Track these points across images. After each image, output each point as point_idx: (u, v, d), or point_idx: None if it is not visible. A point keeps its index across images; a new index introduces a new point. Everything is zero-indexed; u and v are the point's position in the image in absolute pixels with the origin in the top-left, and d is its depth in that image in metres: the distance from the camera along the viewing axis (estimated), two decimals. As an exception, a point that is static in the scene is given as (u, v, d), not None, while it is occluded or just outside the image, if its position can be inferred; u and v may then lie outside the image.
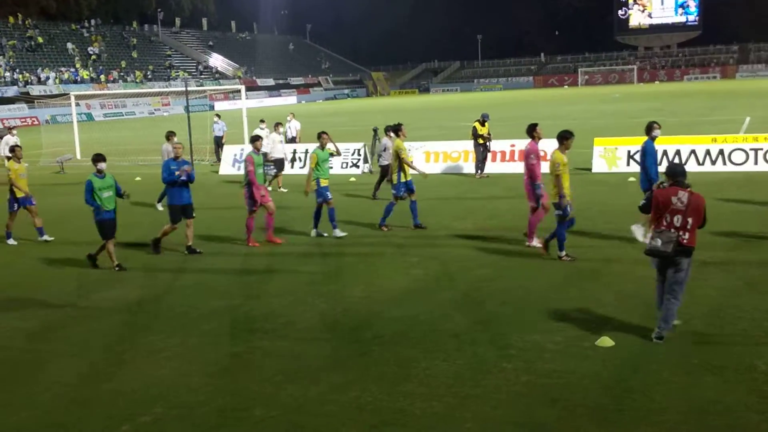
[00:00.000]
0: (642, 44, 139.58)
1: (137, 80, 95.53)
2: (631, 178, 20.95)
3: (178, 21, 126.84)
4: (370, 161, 25.75)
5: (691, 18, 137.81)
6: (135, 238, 15.94)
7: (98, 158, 13.56)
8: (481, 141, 23.02)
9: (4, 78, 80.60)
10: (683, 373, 7.73)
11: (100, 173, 13.39)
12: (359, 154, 25.84)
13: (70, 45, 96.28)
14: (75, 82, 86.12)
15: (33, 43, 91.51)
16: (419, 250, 13.94)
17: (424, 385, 7.74)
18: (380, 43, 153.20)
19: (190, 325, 10.09)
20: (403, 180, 15.41)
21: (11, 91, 78.45)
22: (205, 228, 16.73)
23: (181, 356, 8.94)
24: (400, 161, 15.34)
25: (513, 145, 24.45)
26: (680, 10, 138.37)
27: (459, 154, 25.01)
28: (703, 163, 21.98)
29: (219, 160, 29.31)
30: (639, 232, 13.38)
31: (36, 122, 72.06)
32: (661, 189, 8.84)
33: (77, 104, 39.85)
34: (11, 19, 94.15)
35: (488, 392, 7.51)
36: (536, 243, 13.37)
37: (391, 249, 14.10)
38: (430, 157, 25.22)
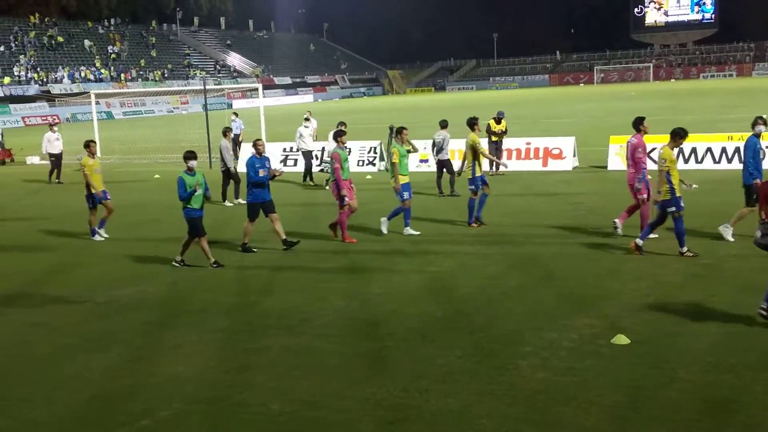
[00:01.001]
0: (658, 42, 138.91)
1: (156, 79, 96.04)
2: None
3: (196, 20, 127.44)
4: (386, 159, 25.79)
5: (708, 15, 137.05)
6: (162, 234, 16.07)
7: (190, 156, 13.29)
8: (494, 138, 23.01)
9: (26, 77, 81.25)
10: (699, 372, 7.73)
11: (190, 171, 13.10)
12: (375, 152, 25.89)
13: (89, 44, 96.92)
14: (95, 80, 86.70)
15: (53, 42, 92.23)
16: (435, 247, 13.98)
17: (439, 382, 7.79)
18: (396, 41, 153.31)
19: (208, 321, 10.18)
20: (478, 174, 15.25)
21: (32, 90, 79.13)
22: (219, 226, 16.85)
23: (198, 352, 9.02)
24: (476, 155, 15.18)
25: (528, 143, 24.44)
26: (696, 8, 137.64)
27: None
28: (719, 161, 21.90)
29: (237, 158, 29.40)
30: (727, 232, 13.37)
31: (57, 120, 72.33)
32: (765, 182, 9.00)
33: (97, 103, 40.11)
34: (32, 19, 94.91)
35: (504, 389, 7.54)
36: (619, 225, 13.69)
37: (407, 246, 14.14)
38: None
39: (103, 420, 7.33)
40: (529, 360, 8.23)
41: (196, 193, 12.95)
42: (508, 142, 24.27)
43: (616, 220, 14.04)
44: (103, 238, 15.95)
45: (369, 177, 23.73)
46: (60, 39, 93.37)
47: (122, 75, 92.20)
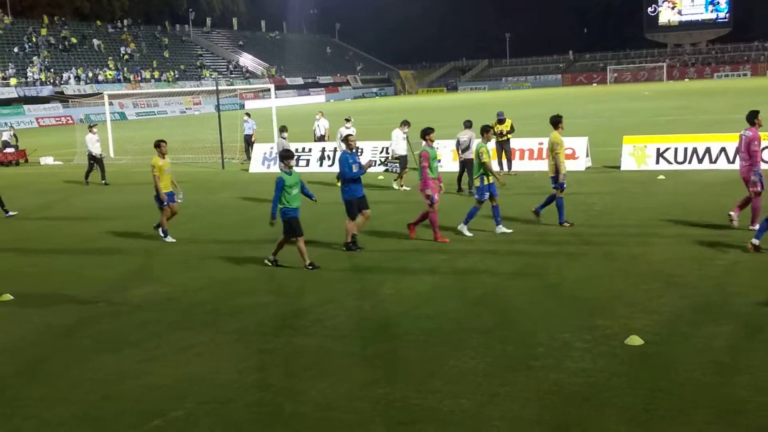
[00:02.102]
0: (671, 42, 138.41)
1: (169, 80, 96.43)
2: (661, 176, 20.82)
3: (209, 21, 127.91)
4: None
5: (722, 15, 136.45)
6: (174, 234, 16.12)
7: (287, 154, 13.13)
8: (500, 139, 22.94)
9: (40, 78, 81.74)
10: (713, 373, 7.68)
11: (289, 170, 12.95)
12: (387, 152, 25.84)
13: (103, 45, 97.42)
14: (108, 81, 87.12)
15: (67, 43, 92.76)
16: (448, 246, 13.95)
17: (452, 383, 7.77)
18: (408, 41, 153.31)
19: (220, 322, 10.19)
20: (562, 171, 15.02)
21: (46, 91, 79.61)
22: (233, 226, 16.88)
23: (211, 352, 9.03)
24: (555, 156, 14.98)
25: (541, 143, 24.33)
26: (710, 7, 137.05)
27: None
28: (733, 161, 21.72)
29: (249, 158, 29.51)
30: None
31: (70, 121, 72.93)
32: None
33: (110, 103, 40.26)
34: (45, 20, 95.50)
35: (516, 390, 7.51)
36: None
37: (419, 246, 14.11)
38: (458, 154, 25.14)
39: (117, 420, 7.35)
40: (542, 361, 8.20)
41: (293, 193, 12.71)
42: (520, 143, 24.20)
43: (732, 213, 14.07)
44: (172, 240, 15.63)
45: (381, 177, 23.71)
46: (74, 40, 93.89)
47: (132, 76, 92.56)
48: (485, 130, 15.14)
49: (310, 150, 27.57)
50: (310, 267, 12.74)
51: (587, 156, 23.94)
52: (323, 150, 27.02)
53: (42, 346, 9.67)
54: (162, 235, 15.70)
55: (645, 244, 13.43)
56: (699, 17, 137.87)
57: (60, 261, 14.63)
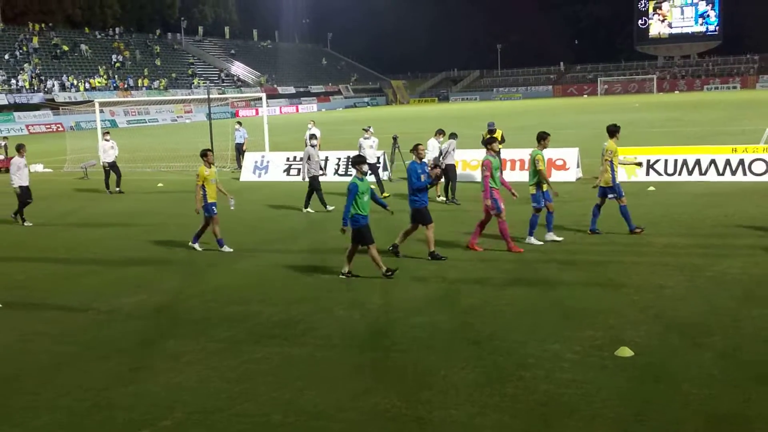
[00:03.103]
0: (662, 54, 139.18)
1: (160, 88, 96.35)
2: (651, 188, 20.89)
3: (201, 29, 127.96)
4: (389, 169, 25.83)
5: (712, 28, 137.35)
6: (167, 240, 16.06)
7: (360, 160, 12.88)
8: None
9: (30, 85, 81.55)
10: (703, 386, 7.68)
11: (362, 176, 12.68)
12: (379, 162, 25.86)
13: (94, 52, 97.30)
14: (99, 89, 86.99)
15: (58, 50, 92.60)
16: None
17: (442, 393, 7.76)
18: (400, 51, 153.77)
19: (210, 331, 10.15)
20: (617, 181, 14.87)
21: (36, 98, 79.35)
22: (223, 234, 16.86)
23: (200, 361, 9.00)
24: (611, 164, 14.82)
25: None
26: (700, 20, 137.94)
27: (478, 162, 24.98)
28: (723, 174, 21.86)
29: (240, 167, 29.49)
30: None
31: (61, 128, 72.77)
32: None
33: (101, 111, 40.12)
34: (37, 27, 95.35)
35: (507, 401, 7.51)
36: None
37: (410, 256, 14.10)
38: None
39: (105, 429, 7.31)
40: (533, 372, 8.20)
41: (365, 199, 12.44)
42: (512, 153, 24.24)
43: None
44: (229, 250, 15.21)
45: (374, 187, 23.70)
46: (65, 47, 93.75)
47: (126, 83, 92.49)
48: (542, 138, 14.74)
49: (301, 159, 27.49)
50: (389, 274, 12.47)
51: (578, 167, 24.01)
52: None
53: (29, 353, 9.61)
54: (218, 245, 15.22)
55: (635, 255, 13.46)
56: (689, 30, 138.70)
57: (49, 268, 14.55)
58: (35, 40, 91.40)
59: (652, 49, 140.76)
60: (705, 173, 22.07)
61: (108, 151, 25.86)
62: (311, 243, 15.80)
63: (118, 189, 25.56)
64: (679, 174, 22.29)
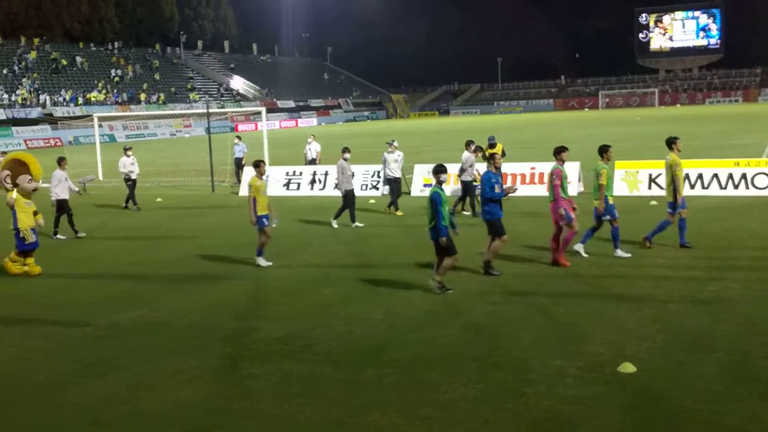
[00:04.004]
0: (663, 67, 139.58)
1: (159, 102, 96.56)
2: (653, 202, 20.84)
3: (200, 43, 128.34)
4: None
5: (713, 41, 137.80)
6: (164, 256, 15.98)
7: (441, 169, 12.59)
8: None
9: (29, 100, 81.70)
10: (707, 401, 7.62)
11: (441, 185, 12.50)
12: (378, 176, 25.85)
13: (93, 67, 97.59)
14: (98, 103, 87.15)
15: (57, 65, 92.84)
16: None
17: (443, 410, 7.68)
18: (400, 65, 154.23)
19: (209, 347, 10.08)
20: (680, 196, 14.57)
21: (35, 113, 79.46)
22: (223, 249, 16.81)
23: (199, 378, 8.93)
24: (674, 177, 14.51)
25: (533, 168, 24.39)
26: (702, 34, 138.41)
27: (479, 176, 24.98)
28: (725, 187, 21.82)
29: (239, 181, 29.47)
30: None
31: (59, 143, 72.82)
32: None
33: (100, 125, 40.09)
34: (35, 41, 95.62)
35: (508, 417, 7.44)
36: None
37: (410, 271, 14.05)
38: (450, 179, 25.19)
39: (102, 447, 7.24)
40: (535, 387, 8.13)
41: (446, 209, 12.19)
42: (513, 167, 24.22)
43: None
44: (266, 265, 14.97)
45: (372, 201, 23.69)
46: (64, 62, 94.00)
47: (125, 98, 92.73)
48: (604, 150, 14.49)
49: (300, 173, 27.55)
50: (442, 289, 12.29)
51: (579, 181, 23.96)
52: (314, 173, 27.01)
53: (28, 370, 9.54)
54: (257, 255, 15.10)
55: (637, 269, 13.40)
56: (690, 43, 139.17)
57: (47, 283, 14.50)
58: (33, 54, 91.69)
59: (654, 62, 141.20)
60: (707, 187, 22.03)
61: (128, 166, 24.99)
62: (311, 258, 15.74)
63: (134, 205, 24.95)
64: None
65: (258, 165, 15.20)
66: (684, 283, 12.25)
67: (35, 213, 15.72)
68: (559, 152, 14.18)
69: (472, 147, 20.63)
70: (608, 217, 14.32)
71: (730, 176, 21.87)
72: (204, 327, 11.05)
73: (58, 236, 19.41)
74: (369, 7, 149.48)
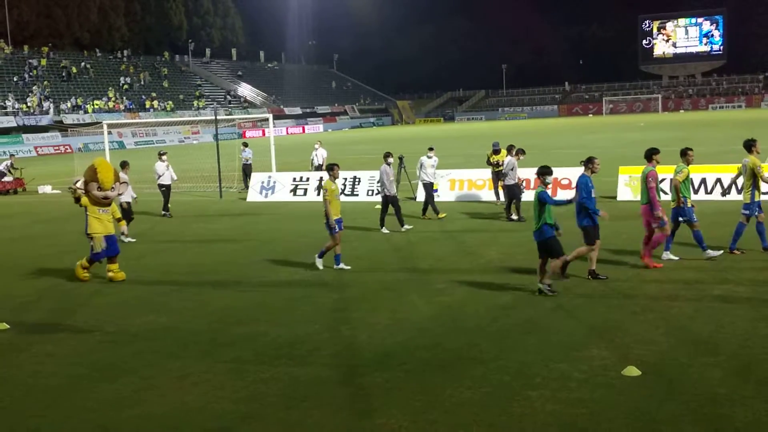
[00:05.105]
0: (666, 73, 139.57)
1: (168, 109, 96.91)
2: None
3: (208, 51, 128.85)
4: (395, 189, 25.82)
5: (716, 47, 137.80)
6: (172, 262, 16.05)
7: (546, 171, 12.63)
8: (496, 169, 23.06)
9: (40, 107, 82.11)
10: (711, 404, 7.65)
11: (547, 186, 12.51)
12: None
13: (102, 75, 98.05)
14: (107, 110, 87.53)
15: (66, 73, 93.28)
16: (444, 276, 13.93)
17: (449, 413, 7.74)
18: (406, 71, 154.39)
19: (217, 351, 10.15)
20: (756, 199, 14.41)
21: (45, 120, 79.86)
22: (230, 254, 16.88)
23: (207, 382, 8.99)
24: (756, 179, 14.46)
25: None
26: (705, 40, 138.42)
27: (484, 182, 25.06)
28: (729, 192, 21.78)
29: (247, 187, 29.58)
30: None
31: (69, 150, 73.14)
32: None
33: (109, 132, 40.26)
34: (45, 49, 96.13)
35: (514, 421, 7.49)
36: None
37: (416, 276, 14.11)
38: (455, 184, 25.31)
39: (111, 450, 7.30)
40: (540, 391, 8.18)
41: (551, 210, 12.19)
42: (525, 173, 24.22)
43: None
44: (321, 267, 14.98)
45: (378, 207, 23.74)
46: (74, 70, 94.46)
47: (134, 105, 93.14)
48: (684, 153, 14.38)
49: (307, 179, 27.65)
50: (549, 290, 12.22)
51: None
52: (321, 180, 27.09)
53: (39, 375, 9.61)
54: (317, 257, 15.11)
55: (642, 273, 13.44)
56: (693, 50, 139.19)
57: (57, 289, 14.59)
58: (44, 62, 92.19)
59: (657, 68, 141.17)
60: (711, 192, 22.05)
61: (165, 172, 24.53)
62: (307, 264, 15.79)
63: (163, 212, 24.62)
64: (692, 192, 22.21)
65: (332, 168, 15.09)
66: (689, 286, 12.29)
67: (119, 220, 15.79)
68: (652, 154, 14.02)
69: (514, 150, 20.65)
70: (686, 219, 14.20)
71: (734, 181, 21.81)
72: (211, 332, 11.12)
73: (129, 239, 19.08)
74: (374, 15, 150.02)
